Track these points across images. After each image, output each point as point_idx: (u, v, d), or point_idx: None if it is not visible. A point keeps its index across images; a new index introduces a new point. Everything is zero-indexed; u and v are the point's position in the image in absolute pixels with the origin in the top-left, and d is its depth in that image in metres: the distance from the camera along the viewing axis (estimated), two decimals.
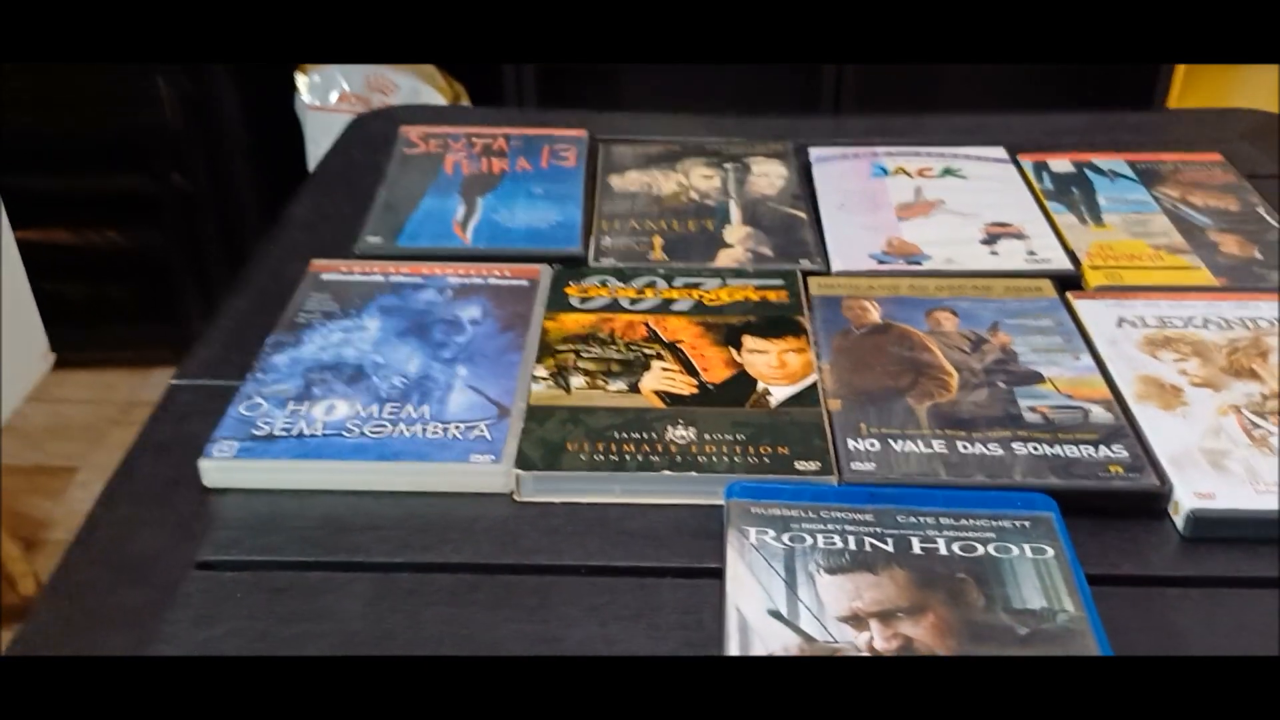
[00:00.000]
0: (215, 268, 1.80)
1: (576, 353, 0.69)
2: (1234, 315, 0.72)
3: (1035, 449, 0.60)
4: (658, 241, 0.82)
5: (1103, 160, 0.93)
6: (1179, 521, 0.57)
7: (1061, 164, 0.92)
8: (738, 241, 0.82)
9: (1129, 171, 0.91)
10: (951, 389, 0.66)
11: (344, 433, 0.62)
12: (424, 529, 0.58)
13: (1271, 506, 0.56)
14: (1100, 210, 0.85)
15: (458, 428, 0.62)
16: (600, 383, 0.66)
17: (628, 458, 0.60)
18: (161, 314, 1.86)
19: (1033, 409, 0.64)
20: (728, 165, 0.93)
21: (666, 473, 0.59)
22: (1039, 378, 0.66)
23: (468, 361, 0.68)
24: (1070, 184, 0.89)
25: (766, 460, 0.60)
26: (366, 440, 0.62)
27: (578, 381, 0.66)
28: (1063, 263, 0.78)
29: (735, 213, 0.86)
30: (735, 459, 0.60)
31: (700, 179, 0.91)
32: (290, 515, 0.59)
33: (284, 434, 0.62)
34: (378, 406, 0.64)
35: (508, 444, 0.61)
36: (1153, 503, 0.58)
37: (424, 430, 0.62)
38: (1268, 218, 0.84)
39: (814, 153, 0.95)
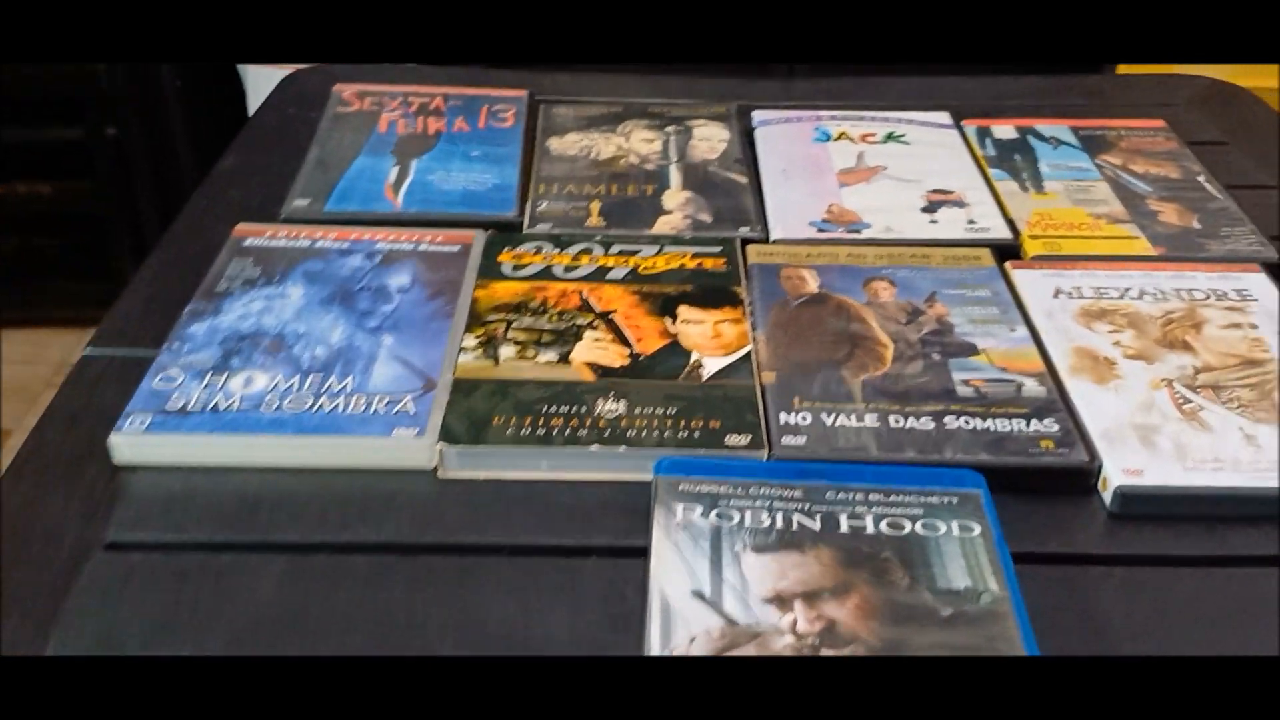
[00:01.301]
0: (149, 223, 1.76)
1: (507, 322, 0.67)
2: (1170, 286, 0.72)
3: (967, 423, 0.60)
4: (595, 207, 0.80)
5: (1046, 126, 0.92)
6: (1107, 498, 0.57)
7: (1005, 130, 0.91)
8: (677, 207, 0.80)
9: (1072, 138, 0.90)
10: (886, 361, 0.65)
11: (262, 406, 0.60)
12: (342, 506, 0.56)
13: (1199, 483, 0.56)
14: (1042, 178, 0.84)
15: (381, 400, 0.61)
16: (530, 354, 0.65)
17: (555, 432, 0.59)
18: (95, 271, 1.81)
19: (966, 382, 0.63)
20: (669, 128, 0.91)
21: (595, 447, 0.58)
22: (974, 350, 0.66)
23: (394, 331, 0.66)
24: (1013, 150, 0.88)
25: (697, 434, 0.59)
26: (285, 414, 0.60)
27: (507, 352, 0.65)
28: (1002, 231, 0.78)
29: (675, 177, 0.84)
30: (665, 433, 0.59)
31: (641, 142, 0.89)
32: (204, 493, 0.57)
33: (199, 408, 0.60)
34: (299, 378, 0.62)
35: (432, 417, 0.60)
36: (1082, 479, 0.58)
37: (346, 403, 0.60)
38: (1208, 186, 0.83)
39: (757, 116, 0.93)
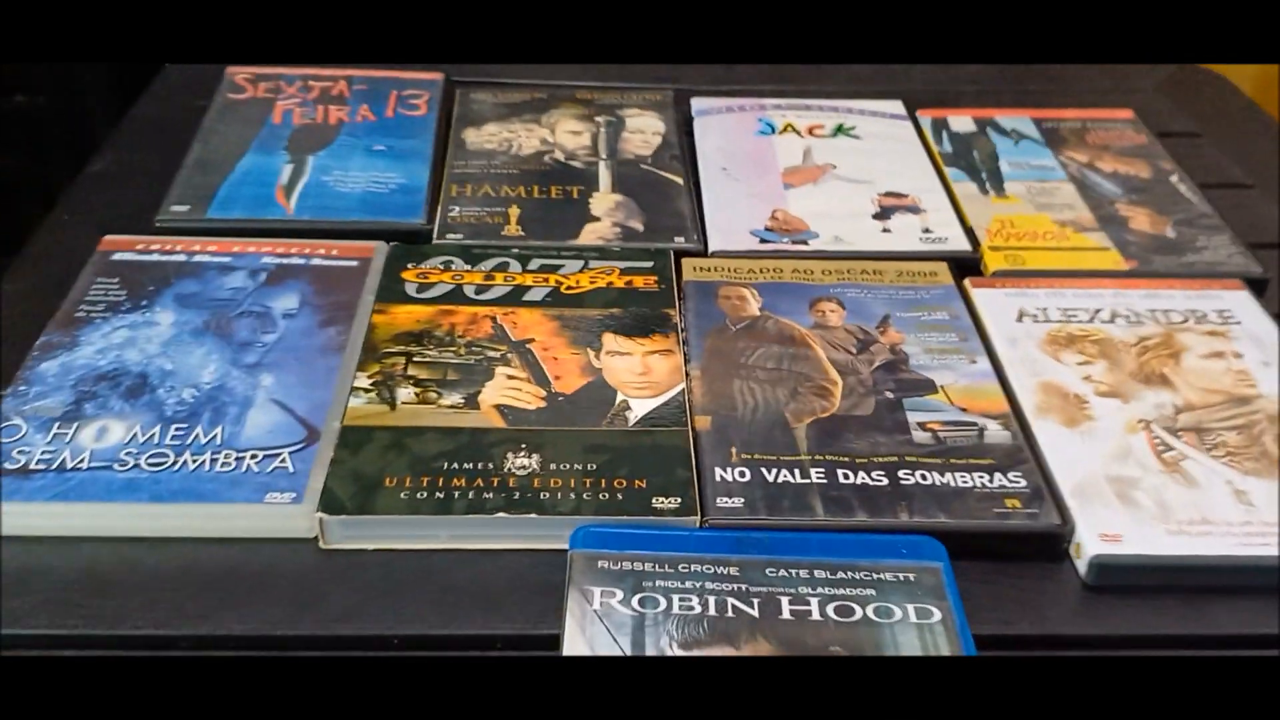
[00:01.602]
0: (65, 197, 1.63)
1: (407, 357, 0.59)
2: (1144, 307, 0.65)
3: (924, 478, 0.53)
4: (514, 213, 0.72)
5: (1006, 118, 0.85)
6: (1081, 567, 0.51)
7: (962, 121, 0.84)
8: (605, 213, 0.72)
9: (1034, 131, 0.83)
10: (834, 400, 0.58)
11: (115, 465, 0.52)
12: (206, 588, 0.48)
13: (1186, 551, 0.50)
14: (1003, 178, 0.77)
15: (254, 457, 0.53)
16: (432, 395, 0.57)
17: (457, 495, 0.51)
18: (6, 246, 1.68)
19: (922, 425, 0.56)
20: (600, 119, 0.82)
21: (502, 515, 0.51)
22: (931, 386, 0.59)
23: (275, 368, 0.58)
24: (971, 146, 0.81)
25: (620, 496, 0.51)
26: (142, 475, 0.51)
27: (405, 394, 0.57)
28: (960, 242, 0.71)
29: (605, 178, 0.76)
30: (584, 495, 0.51)
31: (568, 135, 0.80)
32: (45, 570, 0.49)
33: (42, 467, 0.51)
34: (160, 428, 0.54)
35: (313, 477, 0.52)
36: (1053, 545, 0.51)
37: (214, 461, 0.52)
38: (1180, 187, 0.77)
39: (696, 104, 0.85)
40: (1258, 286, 0.68)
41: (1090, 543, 0.50)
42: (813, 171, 0.78)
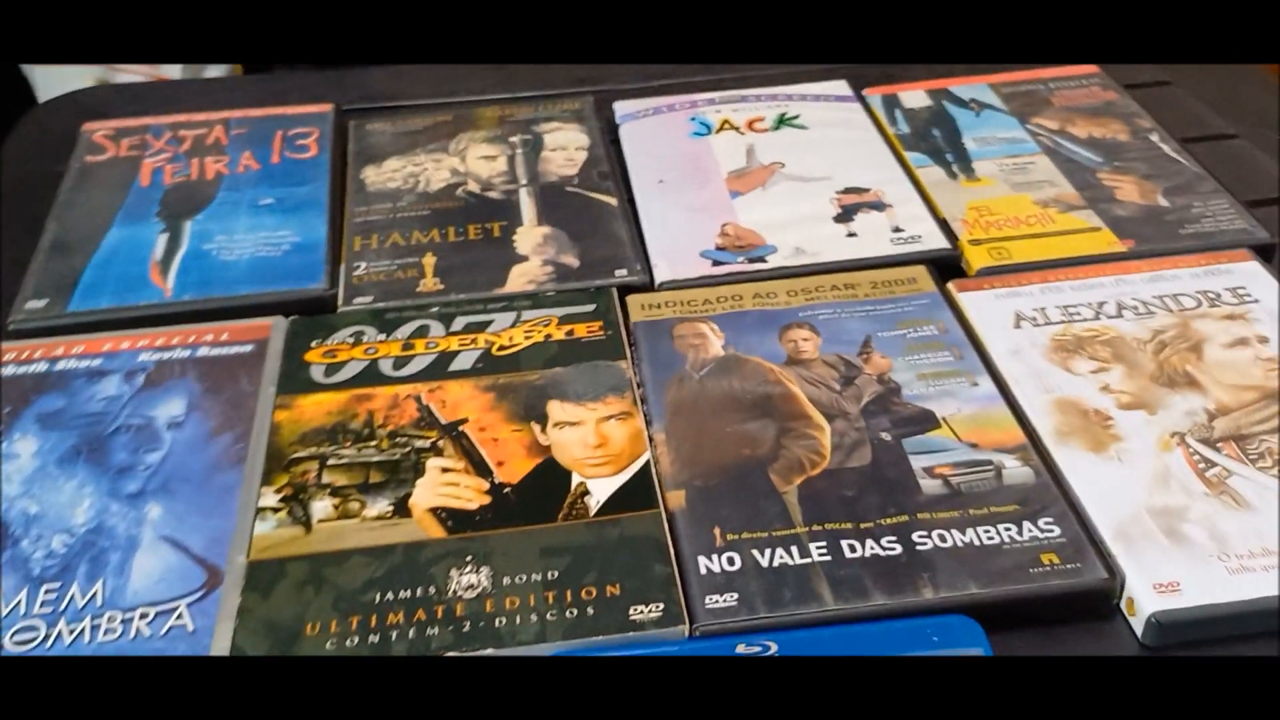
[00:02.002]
0: None
1: (320, 460, 0.50)
2: (1150, 294, 0.58)
3: (943, 539, 0.45)
4: (429, 263, 0.63)
5: (961, 86, 0.77)
6: (1138, 626, 0.43)
7: (915, 96, 0.76)
8: (533, 250, 0.63)
9: (995, 99, 0.76)
10: (825, 451, 0.50)
11: None
12: None
13: (1252, 594, 0.43)
14: (970, 157, 0.70)
15: (145, 617, 0.43)
16: (354, 505, 0.48)
17: (395, 635, 0.42)
18: None
19: (930, 471, 0.48)
20: (514, 139, 0.73)
21: (452, 655, 0.42)
22: (932, 420, 0.51)
23: (163, 495, 0.48)
24: (930, 124, 0.73)
25: (591, 610, 0.43)
26: (5, 656, 0.42)
27: (322, 508, 0.48)
28: (936, 239, 0.63)
29: (528, 208, 0.67)
30: (548, 614, 0.43)
31: (480, 162, 0.71)
32: None
33: None
34: (28, 592, 0.44)
35: (217, 635, 0.43)
36: (1101, 603, 0.44)
37: (95, 628, 0.43)
38: (1164, 147, 0.70)
39: (620, 108, 0.76)
40: (1264, 253, 0.61)
41: (1146, 597, 0.43)
42: (760, 174, 0.69)
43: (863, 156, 0.70)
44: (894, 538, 0.45)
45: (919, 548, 0.45)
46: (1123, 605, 0.44)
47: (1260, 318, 0.56)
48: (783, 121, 0.74)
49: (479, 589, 0.44)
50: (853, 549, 0.45)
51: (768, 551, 0.45)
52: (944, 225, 0.64)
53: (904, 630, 0.42)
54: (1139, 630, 0.43)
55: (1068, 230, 0.63)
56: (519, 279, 0.61)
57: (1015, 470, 0.48)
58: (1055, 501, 0.47)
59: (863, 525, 0.46)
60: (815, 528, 0.46)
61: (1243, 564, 0.44)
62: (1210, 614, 0.43)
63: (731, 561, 0.45)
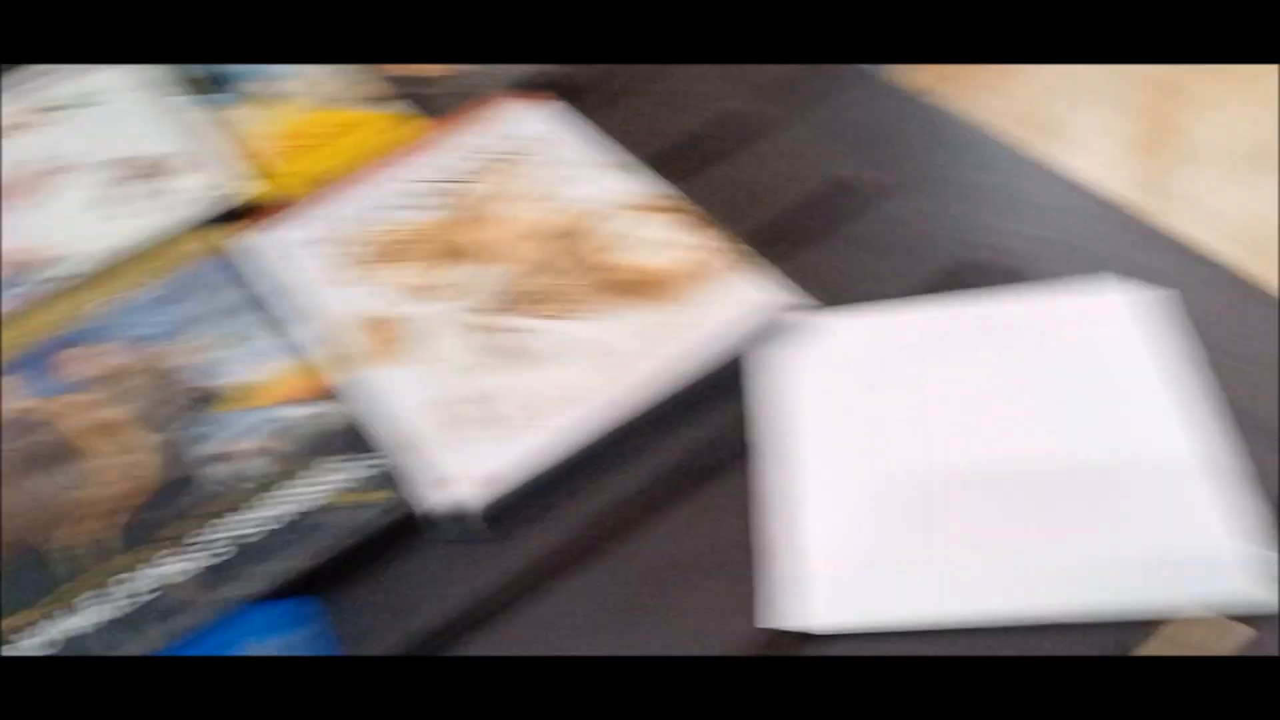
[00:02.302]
0: None
1: None
2: (434, 175, 0.57)
3: (262, 523, 0.43)
4: None
5: None
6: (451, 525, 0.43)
7: None
8: None
9: None
10: (121, 495, 0.45)
11: None
12: None
13: (545, 458, 0.44)
14: (232, 79, 0.65)
15: None
16: None
17: None
18: None
19: (227, 455, 0.46)
20: None
21: None
22: (233, 394, 0.48)
23: None
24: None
25: None
26: None
27: None
28: (214, 193, 0.58)
29: None
30: None
31: None
32: None
33: None
34: None
35: None
36: (415, 521, 0.44)
37: None
38: None
39: None
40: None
41: (467, 495, 0.43)
42: (33, 179, 0.61)
43: (139, 123, 0.64)
44: (222, 539, 0.43)
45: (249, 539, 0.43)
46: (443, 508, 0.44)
47: (534, 165, 0.57)
48: (54, 109, 0.66)
49: None
50: (184, 573, 0.42)
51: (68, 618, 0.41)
52: (234, 171, 0.59)
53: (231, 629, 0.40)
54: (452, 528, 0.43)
55: (357, 125, 0.61)
56: None
57: (324, 418, 0.47)
58: (363, 437, 0.46)
59: (186, 541, 0.43)
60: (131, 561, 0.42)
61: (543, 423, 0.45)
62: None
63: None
